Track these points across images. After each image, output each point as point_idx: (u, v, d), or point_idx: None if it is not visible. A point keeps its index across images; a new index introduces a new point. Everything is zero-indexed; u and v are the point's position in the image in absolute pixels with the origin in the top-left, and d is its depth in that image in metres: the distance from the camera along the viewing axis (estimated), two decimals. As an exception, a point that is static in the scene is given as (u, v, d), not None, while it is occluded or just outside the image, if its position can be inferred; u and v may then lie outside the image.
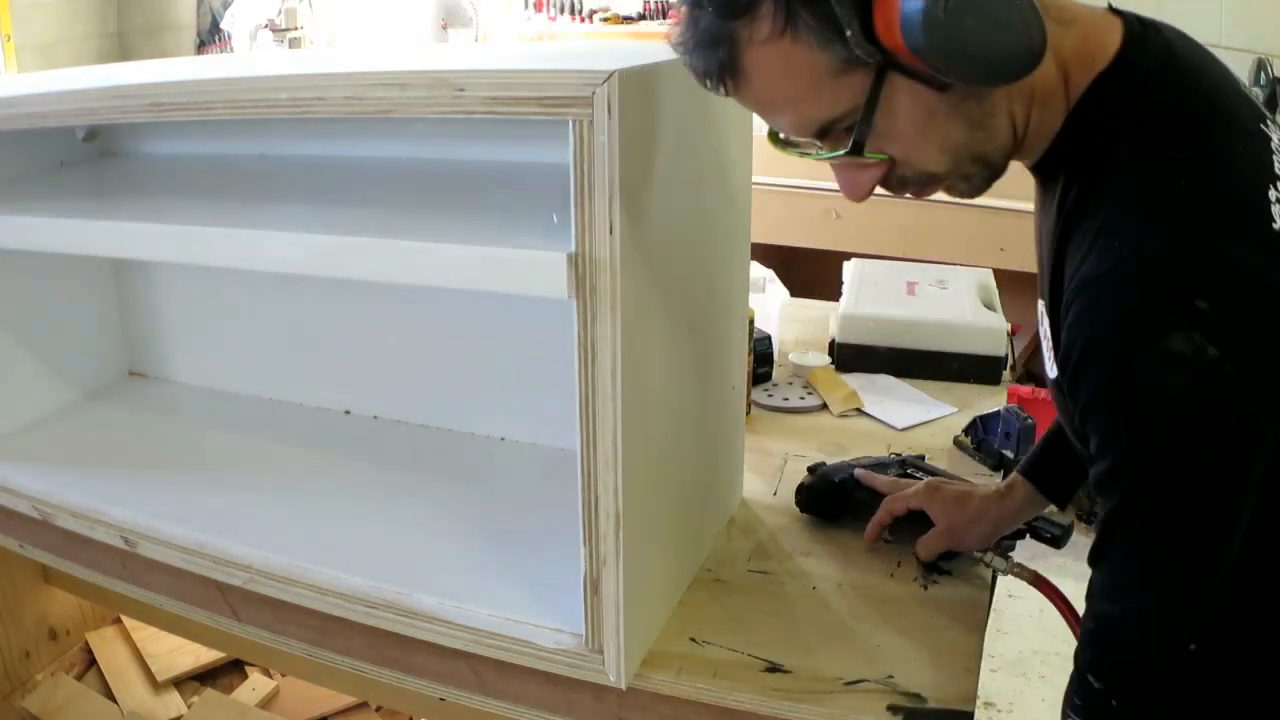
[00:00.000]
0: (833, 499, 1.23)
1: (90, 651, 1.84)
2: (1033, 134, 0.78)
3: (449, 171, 1.26)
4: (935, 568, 1.13)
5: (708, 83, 0.77)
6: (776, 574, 1.15)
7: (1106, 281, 0.70)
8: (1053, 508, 1.10)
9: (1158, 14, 0.79)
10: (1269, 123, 0.76)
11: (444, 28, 3.97)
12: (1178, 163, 0.71)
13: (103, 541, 1.27)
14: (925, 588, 1.12)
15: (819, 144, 0.78)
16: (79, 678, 1.79)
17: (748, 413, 1.50)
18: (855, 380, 1.61)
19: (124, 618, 1.87)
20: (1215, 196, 0.70)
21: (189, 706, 1.75)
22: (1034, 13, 0.69)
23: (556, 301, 0.88)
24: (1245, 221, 0.69)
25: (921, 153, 0.76)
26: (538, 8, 4.50)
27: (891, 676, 0.98)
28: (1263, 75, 2.31)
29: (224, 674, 1.84)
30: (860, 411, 1.53)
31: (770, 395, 1.58)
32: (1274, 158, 0.73)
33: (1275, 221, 0.70)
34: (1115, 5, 0.80)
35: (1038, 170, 0.82)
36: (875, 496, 1.20)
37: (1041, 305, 0.84)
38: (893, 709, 0.93)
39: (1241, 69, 2.34)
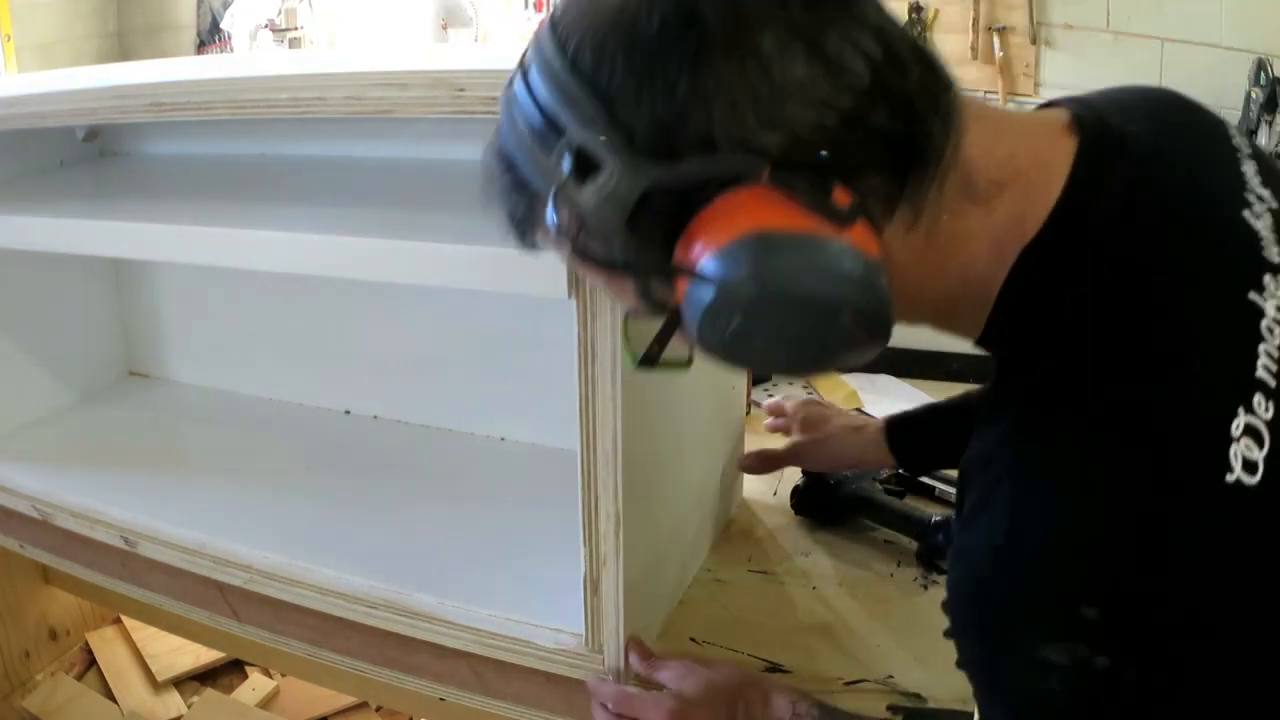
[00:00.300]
0: (829, 501, 1.23)
1: (90, 651, 1.84)
2: (955, 325, 0.68)
3: (449, 171, 1.26)
4: (935, 567, 1.13)
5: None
6: (776, 574, 1.15)
7: (977, 565, 0.59)
8: None
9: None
10: (1270, 277, 0.57)
11: (444, 28, 3.97)
12: (1097, 401, 0.56)
13: (103, 541, 1.27)
14: (925, 588, 1.12)
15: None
16: (79, 678, 1.79)
17: (747, 413, 1.50)
18: (855, 380, 1.61)
19: (124, 618, 1.87)
20: (1137, 454, 0.54)
21: (189, 706, 1.75)
22: (863, 307, 0.56)
23: (556, 301, 0.88)
24: (1180, 483, 0.54)
25: None
26: (538, 8, 4.50)
27: (891, 676, 0.98)
28: (1263, 75, 2.31)
29: (224, 674, 1.84)
30: (860, 411, 1.53)
31: (770, 395, 1.57)
32: (1261, 349, 0.55)
33: (1232, 471, 0.53)
34: (1087, 97, 0.66)
35: (979, 344, 0.69)
36: (871, 500, 1.20)
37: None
38: (893, 709, 0.93)
39: (1241, 69, 2.34)
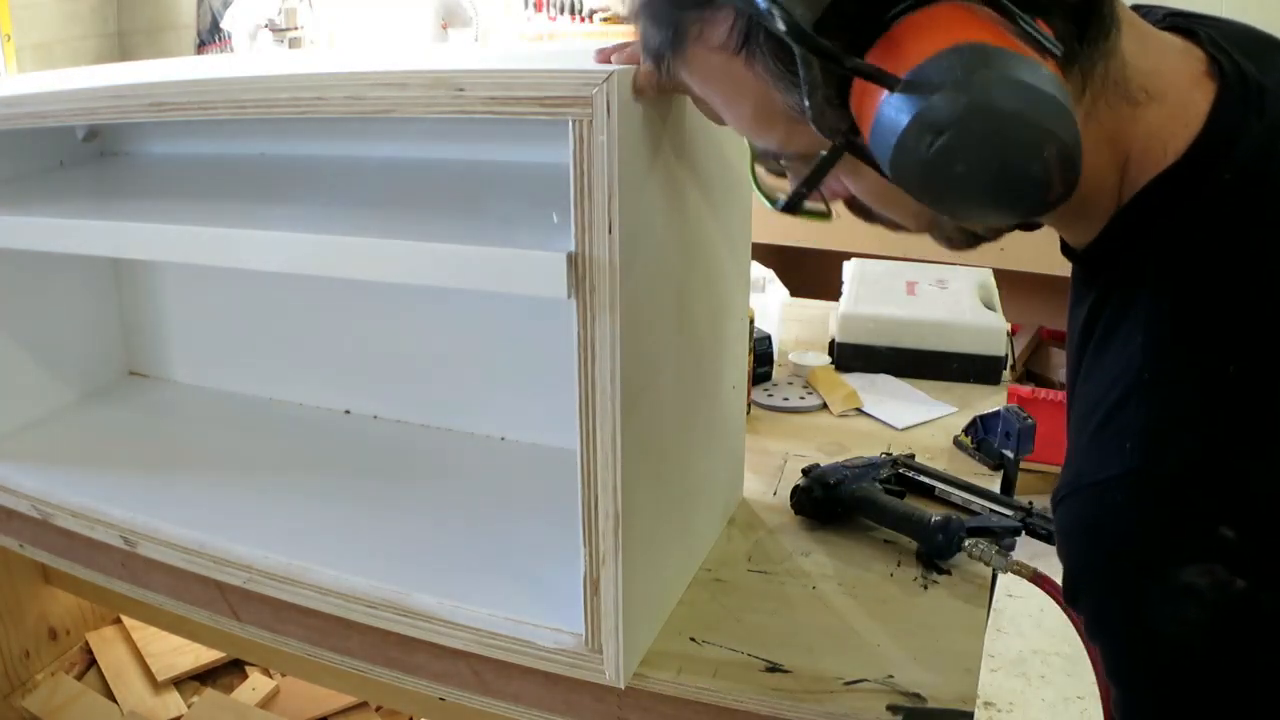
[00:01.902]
0: (828, 501, 1.23)
1: (90, 651, 1.84)
2: (1070, 223, 0.67)
3: (449, 171, 1.26)
4: (935, 567, 1.13)
5: (648, 60, 0.68)
6: (776, 574, 1.15)
7: (1108, 492, 0.58)
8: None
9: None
10: None
11: (444, 28, 3.97)
12: (1226, 338, 0.57)
13: (103, 541, 1.27)
14: (925, 587, 1.12)
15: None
16: (79, 678, 1.79)
17: (748, 412, 1.50)
18: (855, 380, 1.61)
19: (124, 618, 1.87)
20: (1268, 387, 0.56)
21: (189, 706, 1.75)
22: (1064, 148, 0.54)
23: (556, 301, 0.88)
24: None
25: (886, 213, 0.67)
26: (538, 8, 4.50)
27: (891, 676, 0.98)
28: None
29: (224, 674, 1.84)
30: (860, 411, 1.53)
31: (770, 395, 1.58)
32: None
33: None
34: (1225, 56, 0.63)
35: (1077, 260, 0.69)
36: (871, 500, 1.20)
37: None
38: (893, 709, 0.93)
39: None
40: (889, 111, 0.54)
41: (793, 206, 0.64)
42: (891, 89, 0.54)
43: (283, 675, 1.80)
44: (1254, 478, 0.55)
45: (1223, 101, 0.60)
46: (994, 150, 0.54)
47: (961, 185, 0.56)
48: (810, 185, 0.63)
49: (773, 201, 0.66)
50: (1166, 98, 0.61)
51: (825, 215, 0.68)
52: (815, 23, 0.54)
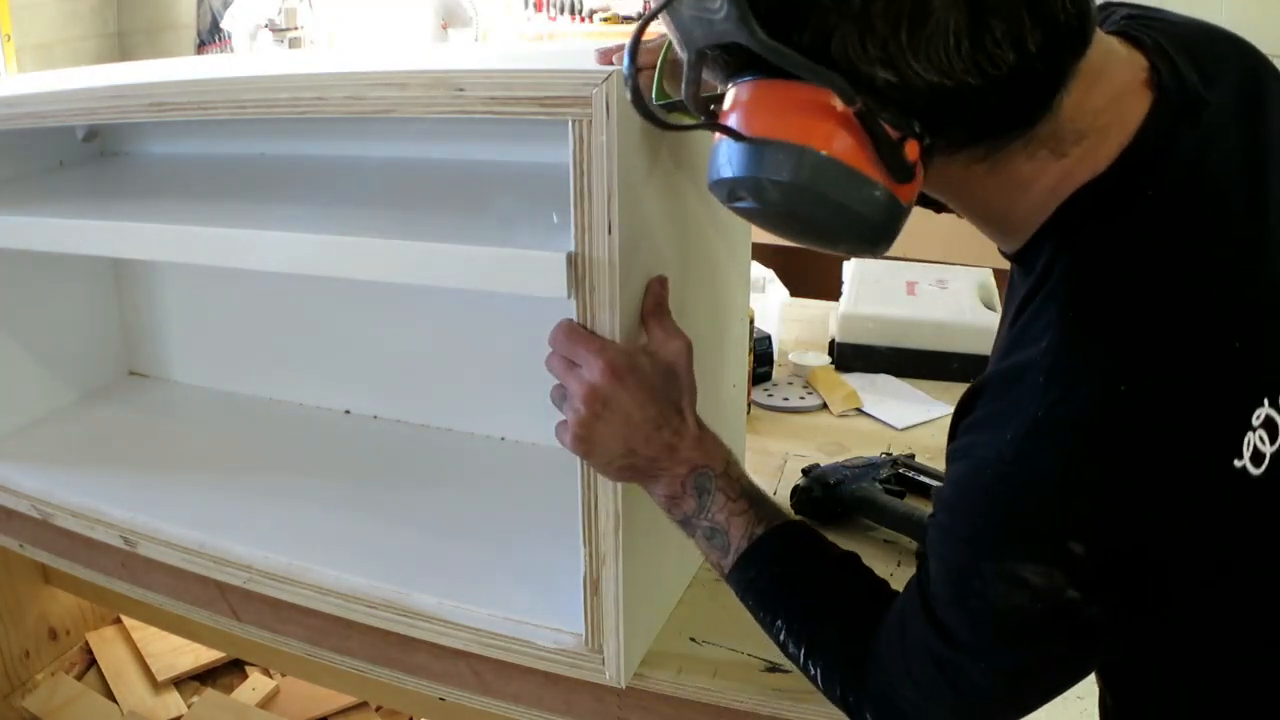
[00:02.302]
0: (828, 501, 1.22)
1: (90, 651, 1.84)
2: (997, 238, 0.67)
3: (449, 171, 1.26)
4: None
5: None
6: (776, 574, 1.15)
7: (981, 473, 0.59)
8: None
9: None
10: None
11: (444, 28, 3.97)
12: (1130, 358, 0.56)
13: (103, 541, 1.27)
14: (925, 587, 1.12)
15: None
16: (79, 678, 1.79)
17: (748, 412, 1.50)
18: (855, 380, 1.60)
19: (124, 618, 1.87)
20: (1160, 415, 0.55)
21: (189, 706, 1.75)
22: (862, 248, 0.59)
23: (556, 301, 0.88)
24: (1191, 455, 0.55)
25: None
26: (538, 8, 4.50)
27: (891, 676, 0.98)
28: (1263, 75, 2.31)
29: (224, 674, 1.84)
30: (860, 411, 1.53)
31: (770, 395, 1.58)
32: None
33: (1241, 457, 0.54)
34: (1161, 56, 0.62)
35: (1010, 259, 0.69)
36: (871, 500, 1.20)
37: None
38: (892, 709, 0.93)
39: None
40: (722, 150, 0.59)
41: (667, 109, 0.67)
42: (736, 139, 0.57)
43: (283, 675, 1.80)
44: (1117, 501, 0.55)
45: (1155, 114, 0.60)
46: (785, 224, 0.60)
47: (753, 219, 0.62)
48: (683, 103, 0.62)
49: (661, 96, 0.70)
50: (1101, 128, 0.60)
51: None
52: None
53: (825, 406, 1.55)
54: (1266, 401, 0.55)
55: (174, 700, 1.76)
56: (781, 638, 0.80)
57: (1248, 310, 0.57)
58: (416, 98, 0.88)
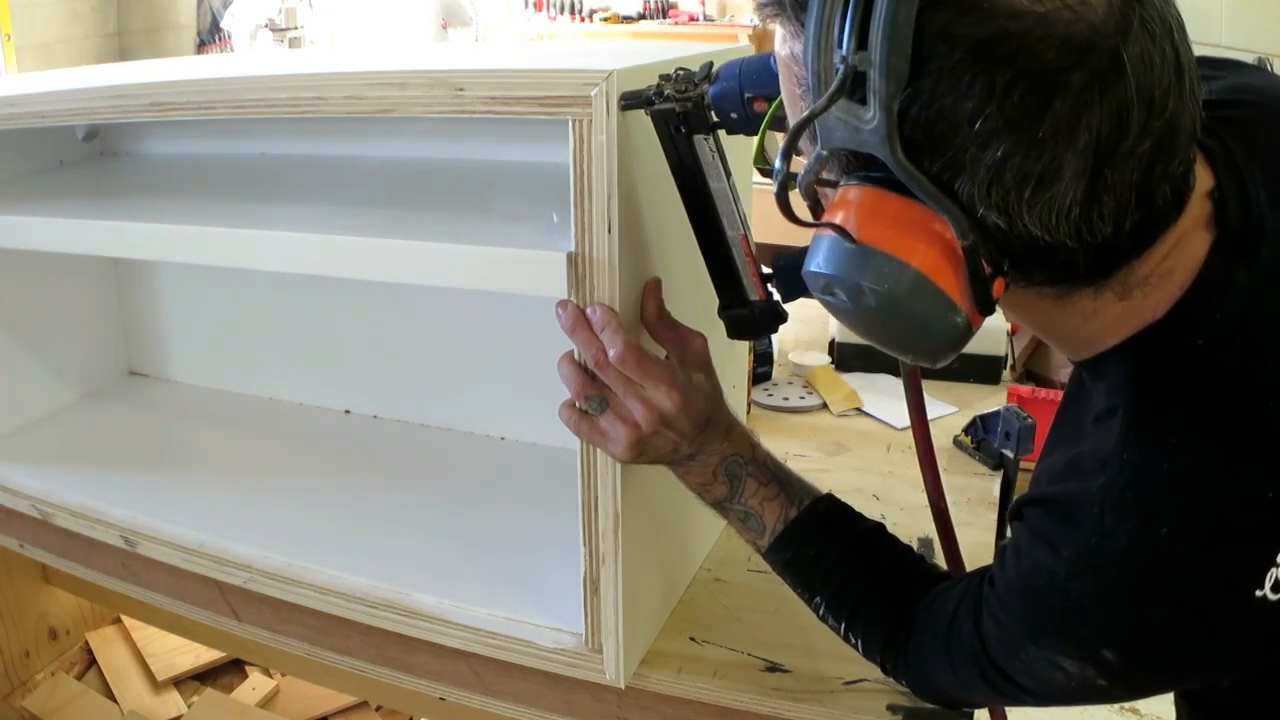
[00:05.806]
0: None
1: (90, 651, 1.84)
2: (1063, 340, 0.70)
3: (449, 171, 1.26)
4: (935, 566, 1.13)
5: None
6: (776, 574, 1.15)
7: (1036, 573, 0.66)
8: None
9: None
10: None
11: (444, 28, 3.97)
12: (1166, 509, 0.61)
13: (103, 541, 1.27)
14: (925, 587, 1.12)
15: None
16: (79, 678, 1.79)
17: (748, 412, 1.50)
18: (855, 380, 1.60)
19: (124, 617, 1.87)
20: (1193, 550, 0.61)
21: (189, 706, 1.75)
22: (935, 356, 0.63)
23: (556, 301, 0.88)
24: (1218, 586, 0.61)
25: None
26: (538, 8, 4.51)
27: (891, 676, 0.98)
28: (1263, 75, 2.31)
29: (224, 674, 1.84)
30: (860, 411, 1.53)
31: (770, 395, 1.58)
32: None
33: (1262, 588, 0.60)
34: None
35: (1079, 365, 0.72)
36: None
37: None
38: (892, 709, 0.93)
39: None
40: (827, 245, 0.61)
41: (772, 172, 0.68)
42: (846, 239, 0.60)
43: (283, 675, 1.80)
44: (1150, 629, 0.63)
45: (1212, 256, 0.62)
46: (866, 328, 0.64)
47: (834, 312, 0.65)
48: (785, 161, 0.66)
49: (768, 164, 0.74)
50: (1167, 274, 0.63)
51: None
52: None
53: (825, 406, 1.55)
54: None
55: (174, 700, 1.76)
56: (821, 613, 0.88)
57: None
58: (416, 97, 0.88)
